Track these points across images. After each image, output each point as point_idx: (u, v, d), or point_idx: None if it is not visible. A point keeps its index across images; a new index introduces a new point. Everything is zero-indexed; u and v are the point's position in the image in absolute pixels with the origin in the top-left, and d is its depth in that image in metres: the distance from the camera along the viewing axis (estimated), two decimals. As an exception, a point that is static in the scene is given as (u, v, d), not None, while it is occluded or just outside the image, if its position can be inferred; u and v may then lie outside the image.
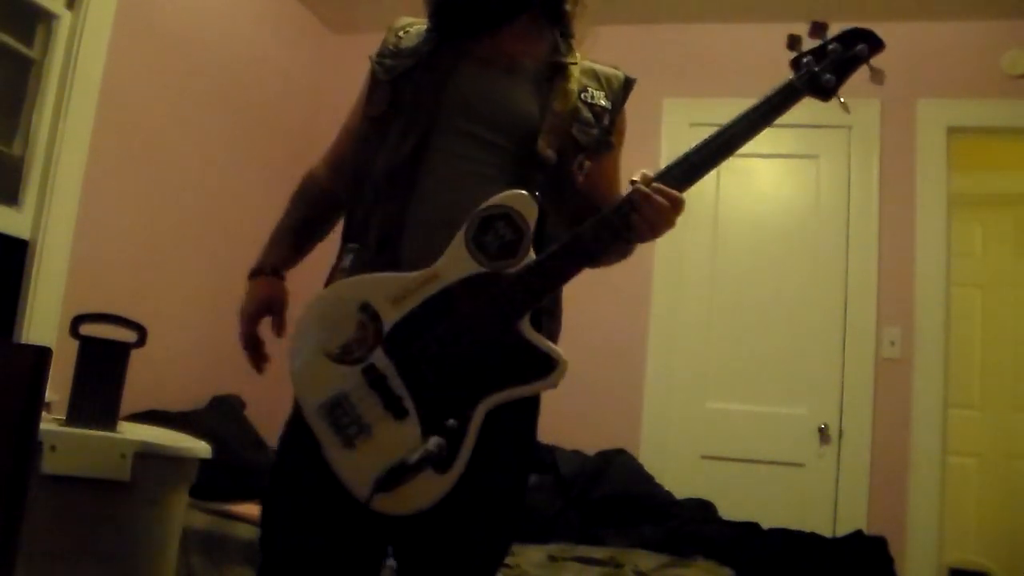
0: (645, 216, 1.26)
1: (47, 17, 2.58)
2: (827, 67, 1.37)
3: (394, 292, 1.24)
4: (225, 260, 3.36)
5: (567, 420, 3.46)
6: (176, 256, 3.16)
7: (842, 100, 1.38)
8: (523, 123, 1.34)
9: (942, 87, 3.40)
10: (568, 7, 1.45)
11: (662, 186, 1.28)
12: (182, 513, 2.04)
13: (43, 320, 2.51)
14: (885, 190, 3.40)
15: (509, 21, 1.39)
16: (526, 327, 1.23)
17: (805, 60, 1.37)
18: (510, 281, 1.22)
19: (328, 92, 3.92)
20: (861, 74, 3.74)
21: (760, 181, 3.58)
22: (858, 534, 3.02)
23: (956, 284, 3.50)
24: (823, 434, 3.30)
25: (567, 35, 1.46)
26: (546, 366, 1.23)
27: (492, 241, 1.23)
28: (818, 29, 1.40)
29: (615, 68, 1.52)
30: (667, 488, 3.19)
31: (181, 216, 3.15)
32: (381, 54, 1.42)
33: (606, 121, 1.44)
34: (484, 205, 1.24)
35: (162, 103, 3.01)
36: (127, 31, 2.81)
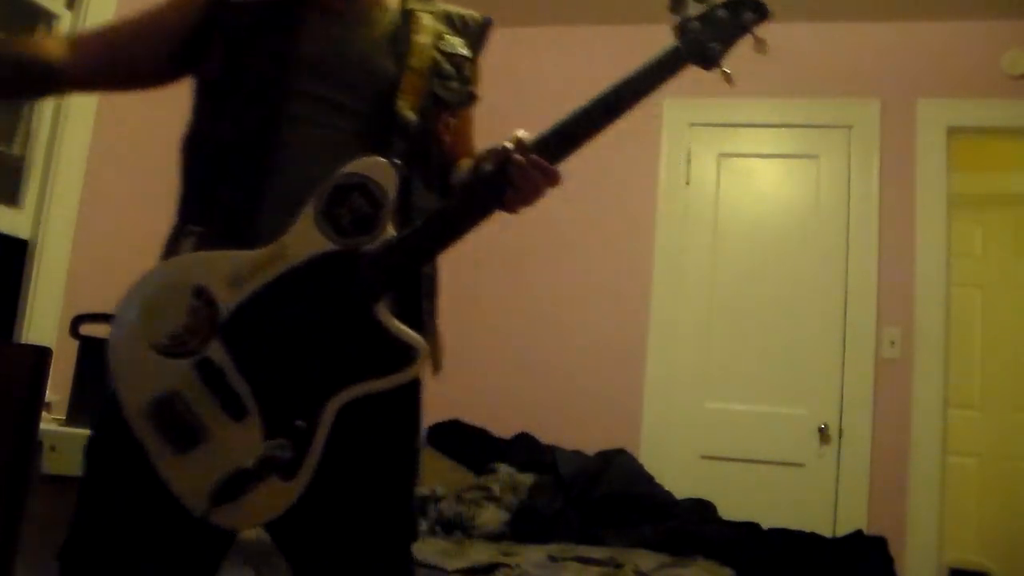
0: (519, 190, 1.13)
1: (47, 17, 2.58)
2: (713, 35, 1.25)
3: (233, 273, 1.08)
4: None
5: (567, 420, 3.47)
6: (176, 256, 3.15)
7: (726, 71, 1.29)
8: (381, 83, 1.20)
9: (942, 87, 3.40)
10: None
11: (539, 159, 1.13)
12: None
13: (43, 320, 2.51)
14: (885, 190, 3.40)
15: None
16: (383, 313, 1.09)
17: (691, 25, 1.24)
18: (365, 261, 1.08)
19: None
20: (864, 74, 3.75)
21: (760, 181, 3.58)
22: (858, 534, 3.02)
23: (956, 284, 3.51)
24: (823, 434, 3.30)
25: None
26: (405, 356, 1.09)
27: (345, 215, 1.08)
28: None
29: (470, 11, 1.36)
30: (667, 488, 3.19)
31: (181, 216, 3.14)
32: (221, 6, 1.22)
33: (467, 71, 1.31)
34: (336, 174, 1.09)
35: (162, 102, 3.01)
36: (127, 31, 2.80)
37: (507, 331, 3.62)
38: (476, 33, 1.34)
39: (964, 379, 4.39)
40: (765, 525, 3.02)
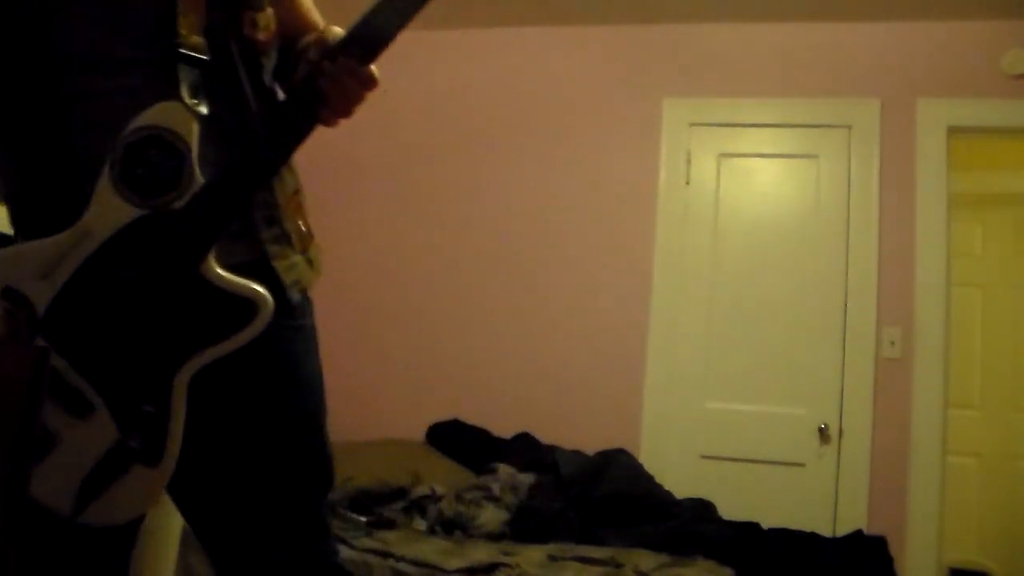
0: (335, 106, 1.02)
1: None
2: None
3: (40, 265, 0.99)
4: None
5: (567, 420, 3.47)
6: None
7: None
8: (152, 21, 1.04)
9: (942, 87, 3.40)
10: None
11: (351, 63, 1.00)
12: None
13: (43, 320, 2.51)
14: (885, 190, 3.40)
15: None
16: (211, 270, 0.99)
17: None
18: (178, 218, 0.97)
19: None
20: (864, 74, 3.76)
21: (760, 181, 3.58)
22: (858, 534, 3.02)
23: (956, 284, 3.51)
24: (823, 434, 3.30)
25: None
26: (247, 312, 0.99)
27: (145, 175, 0.97)
28: None
29: None
30: (667, 488, 3.19)
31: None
32: None
33: None
34: (124, 132, 0.97)
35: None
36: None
37: (507, 331, 3.62)
38: None
39: (964, 379, 4.39)
40: (765, 525, 3.02)
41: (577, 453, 3.29)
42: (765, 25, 3.57)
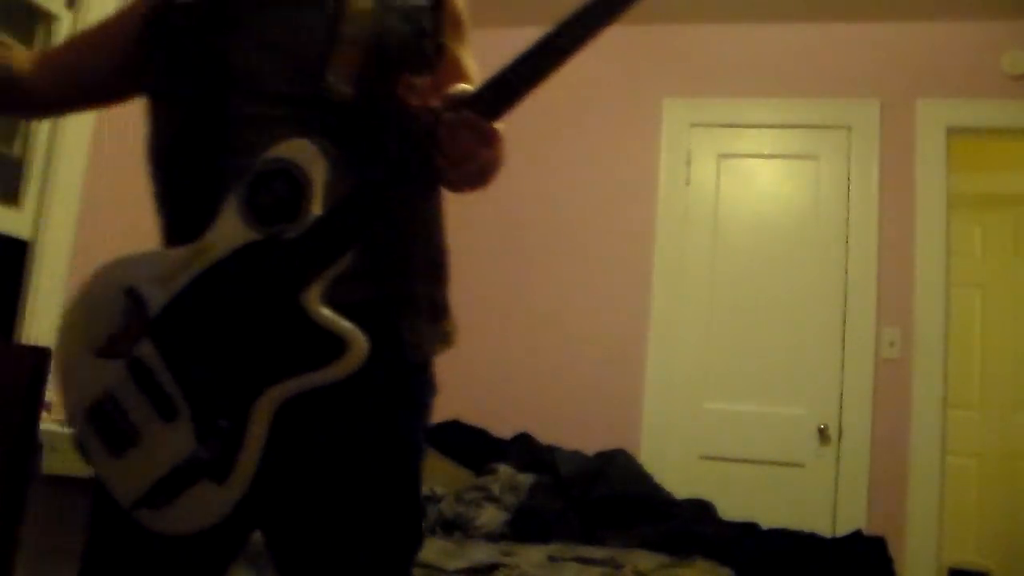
0: (450, 156, 1.00)
1: (47, 17, 2.58)
2: None
3: (162, 271, 1.05)
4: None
5: (567, 420, 3.47)
6: (176, 256, 3.16)
7: None
8: (309, 62, 1.11)
9: (942, 87, 3.40)
10: None
11: (473, 116, 1.00)
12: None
13: (43, 320, 2.51)
14: (885, 190, 3.40)
15: None
16: (312, 302, 1.01)
17: None
18: (288, 248, 1.01)
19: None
20: (864, 74, 3.75)
21: (760, 181, 3.58)
22: (857, 534, 3.02)
23: (956, 284, 3.50)
24: (823, 434, 3.30)
25: None
26: (337, 348, 1.00)
27: (267, 202, 1.02)
28: None
29: None
30: (667, 488, 3.19)
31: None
32: (164, 13, 1.17)
33: (425, 22, 1.18)
34: (256, 162, 1.04)
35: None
36: (127, 31, 2.81)
37: (507, 331, 3.62)
38: None
39: (964, 379, 4.39)
40: (764, 525, 3.02)
41: (577, 453, 3.29)
42: (765, 25, 3.57)
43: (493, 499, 2.94)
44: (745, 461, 3.34)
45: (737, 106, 3.55)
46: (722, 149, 3.62)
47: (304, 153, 1.02)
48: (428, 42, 1.18)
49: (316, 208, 1.02)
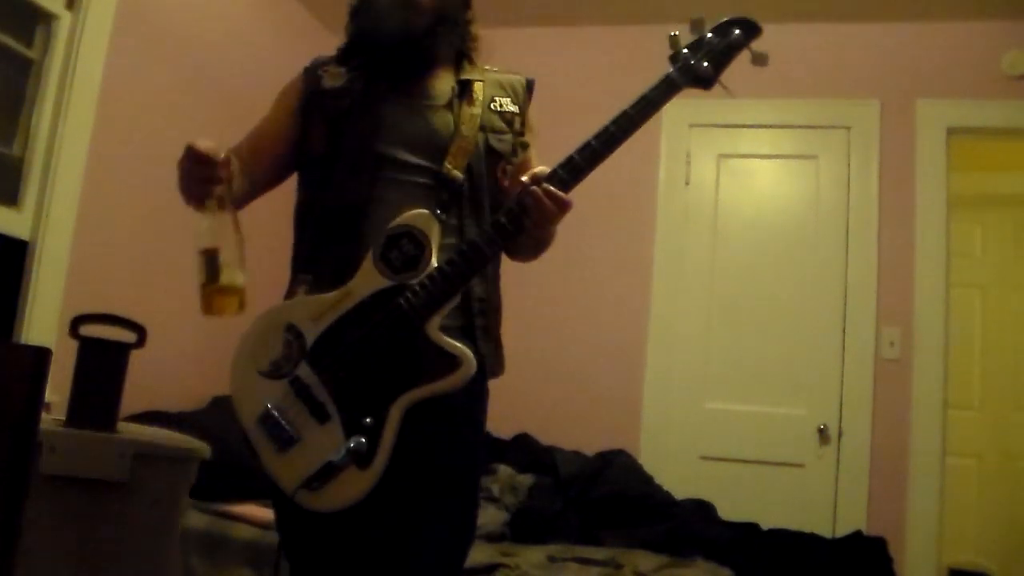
0: (535, 219, 1.36)
1: (47, 17, 2.58)
2: (704, 57, 1.41)
3: (314, 311, 1.39)
4: (225, 260, 3.35)
5: (567, 420, 3.47)
6: (176, 256, 3.15)
7: (725, 86, 1.43)
8: (439, 147, 1.48)
9: (942, 87, 3.40)
10: (472, 54, 1.62)
11: (552, 188, 1.34)
12: (182, 513, 2.04)
13: (43, 320, 2.51)
14: (885, 190, 3.40)
15: (431, 68, 1.56)
16: (432, 330, 1.35)
17: (684, 53, 1.41)
18: (412, 290, 1.35)
19: (328, 92, 3.91)
20: (864, 74, 3.73)
21: (760, 181, 3.58)
22: (858, 534, 3.02)
23: (956, 284, 3.51)
24: (823, 434, 3.30)
25: (471, 60, 1.62)
26: (451, 365, 1.34)
27: (397, 257, 1.37)
28: (696, 25, 1.43)
29: (516, 73, 1.66)
30: (666, 488, 3.19)
31: (181, 216, 3.14)
32: (316, 93, 1.54)
33: (517, 125, 1.59)
34: (389, 226, 1.38)
35: (162, 103, 3.01)
36: (127, 31, 2.80)
37: (507, 331, 3.61)
38: (523, 92, 1.64)
39: (964, 379, 4.39)
40: (765, 525, 3.03)
41: (576, 454, 3.29)
42: (765, 25, 3.57)
43: (493, 499, 2.94)
44: (745, 461, 3.34)
45: (736, 106, 3.53)
46: (722, 149, 3.62)
47: (424, 220, 1.38)
48: (517, 139, 1.58)
49: (433, 261, 1.36)
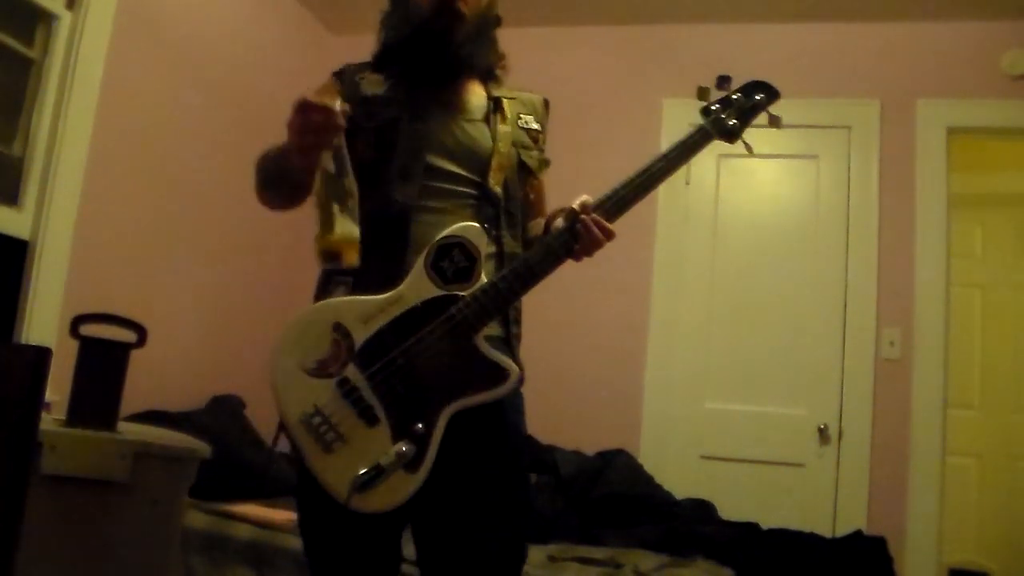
0: (583, 245, 1.45)
1: (47, 17, 2.58)
2: (732, 114, 1.64)
3: (364, 313, 1.38)
4: (225, 261, 3.36)
5: (567, 420, 3.47)
6: (176, 256, 3.16)
7: (747, 143, 1.66)
8: (481, 161, 1.53)
9: (942, 87, 3.40)
10: (499, 69, 1.67)
11: (600, 219, 1.43)
12: (182, 513, 2.04)
13: (43, 320, 2.51)
14: (885, 190, 3.40)
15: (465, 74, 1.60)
16: (481, 342, 1.38)
17: (714, 108, 1.64)
18: (465, 302, 1.37)
19: (328, 92, 3.91)
20: (864, 74, 3.74)
21: (760, 181, 3.58)
22: (858, 534, 3.02)
23: (956, 284, 3.51)
24: (823, 434, 3.30)
25: (497, 79, 1.67)
26: (500, 376, 1.38)
27: (448, 267, 1.39)
28: (723, 81, 1.66)
29: (530, 91, 1.70)
30: (667, 488, 3.19)
31: (181, 216, 3.15)
32: (361, 100, 1.53)
33: (541, 142, 1.64)
34: (440, 235, 1.40)
35: (162, 103, 3.01)
36: (127, 31, 2.81)
37: (507, 331, 3.62)
38: (542, 110, 1.68)
39: (964, 379, 4.40)
40: (765, 525, 3.03)
41: (577, 454, 3.29)
42: (764, 26, 3.57)
43: (493, 499, 2.93)
44: (745, 461, 3.34)
45: (737, 106, 3.54)
46: (722, 149, 3.58)
47: (474, 232, 1.41)
48: (543, 156, 1.64)
49: (482, 273, 1.40)
